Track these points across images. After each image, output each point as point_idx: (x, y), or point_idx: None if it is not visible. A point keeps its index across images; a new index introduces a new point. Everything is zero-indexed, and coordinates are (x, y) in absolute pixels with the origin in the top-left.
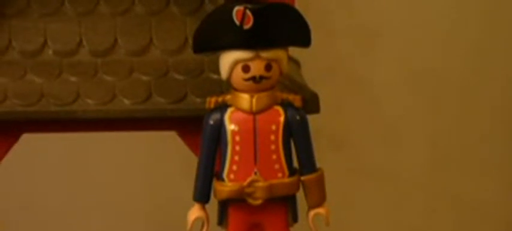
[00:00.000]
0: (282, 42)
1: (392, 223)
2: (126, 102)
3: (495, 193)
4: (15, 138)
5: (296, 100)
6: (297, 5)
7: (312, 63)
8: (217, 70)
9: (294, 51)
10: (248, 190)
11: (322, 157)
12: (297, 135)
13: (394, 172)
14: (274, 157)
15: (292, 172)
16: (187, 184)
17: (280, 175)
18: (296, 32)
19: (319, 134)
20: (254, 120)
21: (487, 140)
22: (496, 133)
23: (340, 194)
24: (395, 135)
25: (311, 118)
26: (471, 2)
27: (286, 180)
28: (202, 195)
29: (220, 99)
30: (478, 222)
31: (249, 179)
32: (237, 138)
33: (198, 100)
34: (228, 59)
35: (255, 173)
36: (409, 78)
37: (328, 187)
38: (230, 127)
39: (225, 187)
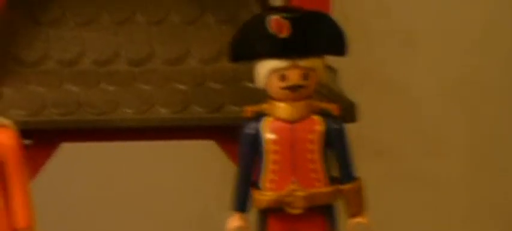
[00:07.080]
0: (319, 51)
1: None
2: (164, 111)
3: None
4: (54, 147)
5: (333, 109)
6: (335, 12)
7: (349, 69)
8: (254, 79)
9: (331, 58)
10: (287, 199)
11: (361, 164)
12: (335, 144)
13: (433, 178)
14: (311, 166)
15: (330, 181)
16: (226, 193)
17: (318, 184)
18: (332, 40)
19: (357, 142)
20: (291, 129)
21: None
22: None
23: (380, 202)
24: (434, 142)
25: (349, 126)
26: (509, 7)
27: (325, 189)
28: (241, 205)
29: (257, 108)
30: None
31: (288, 188)
32: (275, 147)
33: (236, 108)
34: (265, 68)
35: (293, 183)
36: (447, 84)
37: (367, 194)
38: (267, 136)
39: (264, 196)
